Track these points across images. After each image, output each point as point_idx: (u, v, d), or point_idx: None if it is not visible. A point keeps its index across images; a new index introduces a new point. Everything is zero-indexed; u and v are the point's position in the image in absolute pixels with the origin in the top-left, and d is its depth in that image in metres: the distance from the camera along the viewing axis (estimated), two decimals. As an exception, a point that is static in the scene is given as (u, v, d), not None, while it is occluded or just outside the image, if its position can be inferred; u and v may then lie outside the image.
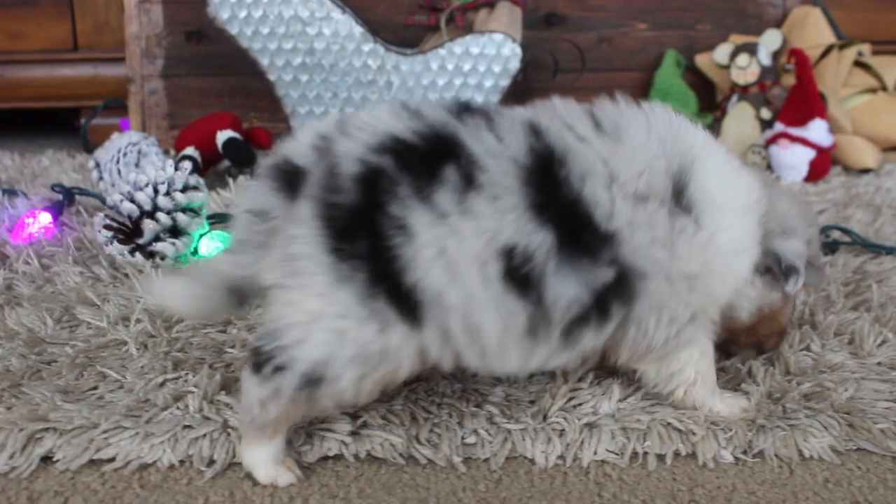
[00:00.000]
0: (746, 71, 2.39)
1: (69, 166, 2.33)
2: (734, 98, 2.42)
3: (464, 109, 0.95)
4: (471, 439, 1.03)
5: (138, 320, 1.30)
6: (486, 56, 2.07)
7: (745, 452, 1.03)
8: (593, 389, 1.11)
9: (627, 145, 0.96)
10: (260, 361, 0.93)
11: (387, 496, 0.95)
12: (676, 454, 1.03)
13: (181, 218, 1.56)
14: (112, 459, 1.00)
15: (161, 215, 1.54)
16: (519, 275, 0.90)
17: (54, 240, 1.67)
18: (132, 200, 1.55)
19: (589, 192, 0.92)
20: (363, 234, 0.88)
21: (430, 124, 0.92)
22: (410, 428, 1.04)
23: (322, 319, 0.90)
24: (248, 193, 0.97)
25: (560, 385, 1.11)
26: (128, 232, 1.56)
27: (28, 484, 0.97)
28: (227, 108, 2.31)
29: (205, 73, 2.48)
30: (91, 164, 2.03)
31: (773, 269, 1.08)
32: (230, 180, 2.07)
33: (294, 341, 0.91)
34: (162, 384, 1.13)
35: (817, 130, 2.23)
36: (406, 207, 0.87)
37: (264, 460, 0.97)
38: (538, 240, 0.90)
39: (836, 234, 1.73)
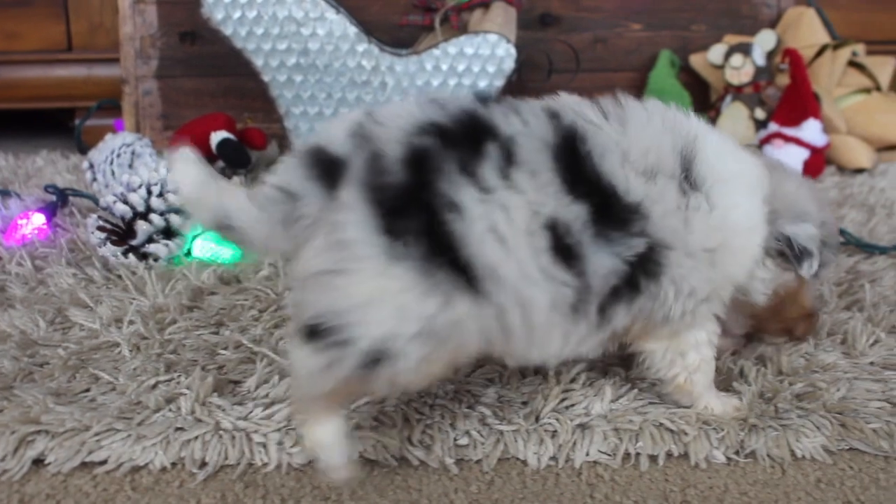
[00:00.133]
0: (741, 71, 2.39)
1: (63, 167, 2.33)
2: (728, 98, 2.42)
3: (486, 99, 0.98)
4: (463, 441, 1.03)
5: (131, 322, 1.30)
6: (480, 56, 2.07)
7: (737, 453, 1.03)
8: (585, 390, 1.11)
9: (633, 128, 1.01)
10: (316, 331, 0.89)
11: (379, 498, 0.96)
12: (669, 455, 1.03)
13: (174, 219, 1.55)
14: (104, 462, 1.00)
15: (154, 216, 1.54)
16: (563, 247, 0.93)
17: (48, 241, 1.67)
18: (125, 202, 1.55)
19: (608, 168, 0.96)
20: (415, 212, 0.88)
21: (462, 110, 0.95)
22: (403, 429, 1.04)
23: (383, 297, 0.88)
24: (280, 170, 0.94)
25: (552, 386, 1.11)
26: (121, 233, 1.55)
27: (19, 487, 0.97)
28: (221, 108, 2.30)
29: (199, 74, 2.48)
30: (85, 165, 2.03)
31: (786, 252, 1.10)
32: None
33: (355, 320, 0.88)
34: (154, 386, 1.13)
35: (811, 130, 2.23)
36: (454, 184, 0.89)
37: (325, 441, 0.95)
38: (575, 212, 0.93)
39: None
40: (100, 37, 2.60)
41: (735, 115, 2.37)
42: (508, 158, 0.92)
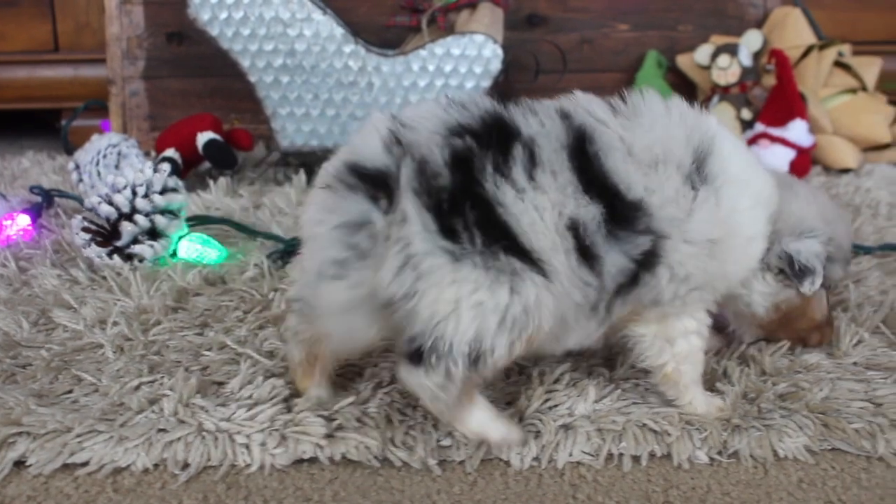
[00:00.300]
0: (727, 71, 2.40)
1: (49, 168, 2.32)
2: (715, 99, 2.42)
3: (504, 100, 1.01)
4: (446, 441, 1.03)
5: (115, 323, 1.30)
6: (467, 57, 2.07)
7: (720, 453, 1.03)
8: (569, 391, 1.11)
9: (644, 122, 1.03)
10: (419, 354, 0.92)
11: (361, 499, 0.95)
12: (652, 455, 1.03)
13: (160, 220, 1.55)
14: (85, 464, 1.00)
15: (139, 217, 1.53)
16: (584, 247, 0.96)
17: (33, 242, 1.66)
18: (110, 202, 1.54)
19: (612, 166, 0.98)
20: (466, 208, 0.91)
21: (485, 110, 0.97)
22: (385, 430, 1.04)
23: (461, 303, 0.91)
24: (328, 207, 0.94)
25: (536, 387, 1.11)
26: (106, 234, 1.55)
27: (0, 489, 0.96)
28: (208, 109, 2.30)
29: (186, 75, 2.47)
30: (71, 165, 2.02)
31: (786, 270, 1.12)
32: (211, 182, 2.07)
33: (447, 332, 0.91)
34: (137, 387, 1.13)
35: (797, 131, 2.23)
36: (496, 182, 0.92)
37: (486, 419, 0.99)
38: (591, 212, 0.96)
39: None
40: (86, 37, 2.60)
41: (722, 115, 2.38)
42: (532, 158, 0.95)
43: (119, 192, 1.55)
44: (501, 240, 0.92)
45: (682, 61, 2.55)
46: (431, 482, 0.98)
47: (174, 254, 1.58)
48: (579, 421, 1.06)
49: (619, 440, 1.04)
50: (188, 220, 1.64)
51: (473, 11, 2.19)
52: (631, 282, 1.01)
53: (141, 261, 1.54)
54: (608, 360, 1.20)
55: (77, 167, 2.00)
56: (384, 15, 2.35)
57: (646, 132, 1.02)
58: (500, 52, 2.06)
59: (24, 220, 1.72)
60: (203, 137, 2.07)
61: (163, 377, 1.14)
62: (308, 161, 2.19)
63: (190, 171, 2.15)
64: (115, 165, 1.95)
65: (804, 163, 2.24)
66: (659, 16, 2.58)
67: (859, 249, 1.65)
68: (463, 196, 0.91)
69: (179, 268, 1.50)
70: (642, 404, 1.09)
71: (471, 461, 1.01)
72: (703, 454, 1.03)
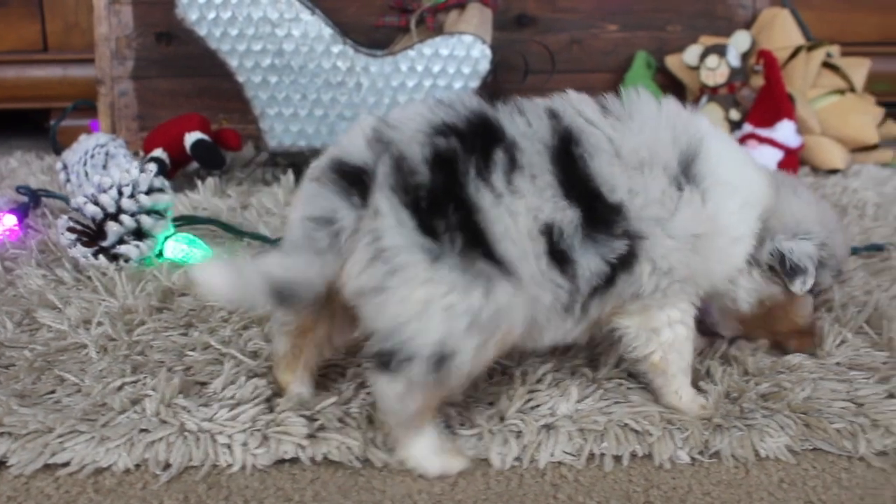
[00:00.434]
0: (716, 72, 2.40)
1: (37, 168, 2.31)
2: (703, 99, 2.43)
3: (491, 99, 1.01)
4: (428, 441, 1.03)
5: (99, 323, 1.30)
6: (455, 58, 2.07)
7: (701, 453, 1.03)
8: (551, 391, 1.11)
9: (635, 121, 1.04)
10: (385, 360, 0.93)
11: (342, 499, 0.95)
12: (633, 455, 1.03)
13: (145, 220, 1.55)
14: (67, 464, 1.00)
15: (125, 217, 1.53)
16: (558, 251, 0.96)
17: (19, 242, 1.66)
18: (96, 203, 1.54)
19: (597, 168, 0.99)
20: (448, 208, 0.91)
21: (471, 110, 0.98)
22: (367, 431, 1.04)
23: (432, 302, 0.91)
24: (305, 198, 0.97)
25: (518, 387, 1.12)
26: (91, 234, 1.55)
27: (-20, 489, 0.96)
28: (197, 109, 2.29)
29: (175, 75, 2.47)
30: (58, 165, 2.02)
31: (777, 267, 1.13)
32: (199, 182, 2.06)
33: (412, 334, 0.92)
34: (120, 388, 1.12)
35: (785, 131, 2.24)
36: (475, 186, 0.93)
37: (427, 453, 0.99)
38: (569, 216, 0.96)
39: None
40: (75, 37, 2.59)
41: (710, 116, 2.38)
42: (512, 162, 0.95)
43: (105, 192, 1.54)
44: (479, 245, 0.92)
45: (671, 62, 2.55)
46: (412, 482, 0.98)
47: (160, 254, 1.58)
48: (561, 421, 1.06)
49: (601, 440, 1.04)
50: (175, 220, 1.64)
51: (462, 12, 2.19)
52: (607, 283, 1.01)
53: (127, 261, 1.53)
54: (591, 361, 1.20)
55: (65, 167, 1.99)
56: (373, 15, 2.34)
57: (635, 135, 1.03)
58: (488, 52, 2.06)
59: (10, 220, 1.72)
60: (191, 137, 2.06)
61: (146, 377, 1.14)
62: (296, 161, 2.19)
63: (178, 171, 2.14)
64: (102, 165, 1.94)
65: (792, 163, 2.25)
66: (648, 16, 2.59)
67: (845, 250, 1.65)
68: (446, 197, 0.92)
69: (165, 268, 1.50)
70: (624, 404, 1.10)
71: (452, 461, 1.01)
72: (684, 454, 1.03)
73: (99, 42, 2.44)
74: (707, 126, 1.09)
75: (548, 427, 1.05)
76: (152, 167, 1.60)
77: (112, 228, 1.53)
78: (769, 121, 2.25)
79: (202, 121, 2.13)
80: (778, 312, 1.19)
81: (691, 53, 2.47)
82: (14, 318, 1.32)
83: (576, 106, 1.04)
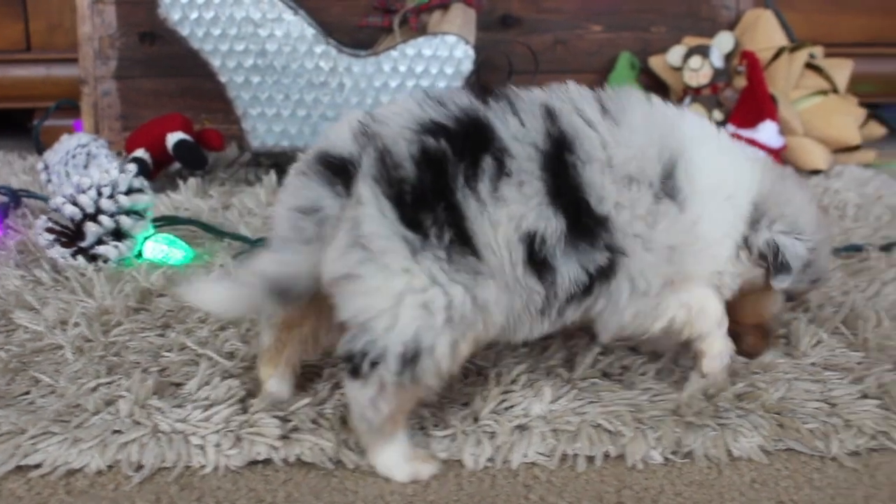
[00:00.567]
0: (699, 73, 2.40)
1: (20, 168, 2.31)
2: (687, 100, 2.43)
3: (485, 93, 1.00)
4: (401, 442, 1.03)
5: (76, 324, 1.29)
6: (438, 58, 2.07)
7: (674, 453, 1.04)
8: (525, 392, 1.11)
9: (625, 129, 1.02)
10: (356, 364, 0.93)
11: (314, 500, 0.95)
12: (606, 455, 1.03)
13: (125, 221, 1.55)
14: (38, 465, 0.99)
15: (104, 218, 1.53)
16: (538, 259, 0.96)
17: (-3, 243, 1.66)
18: (75, 203, 1.54)
19: (589, 177, 0.98)
20: (435, 204, 0.91)
21: (461, 109, 0.97)
22: (340, 432, 1.04)
23: (407, 296, 0.91)
24: (290, 191, 0.97)
25: (492, 387, 1.12)
26: (70, 235, 1.54)
27: (-49, 491, 0.96)
28: (180, 109, 2.29)
29: (158, 75, 2.46)
30: (40, 166, 2.01)
31: (767, 257, 1.11)
32: (181, 182, 2.06)
33: (383, 329, 0.91)
34: (94, 389, 1.12)
35: (767, 132, 2.24)
36: (461, 190, 0.93)
37: (397, 460, 0.98)
38: (553, 225, 0.96)
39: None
40: (58, 37, 2.58)
41: (694, 116, 2.38)
42: (500, 168, 0.94)
43: (84, 192, 1.54)
44: (466, 244, 0.93)
45: (655, 63, 2.56)
46: (385, 483, 0.98)
47: (140, 254, 1.58)
48: (534, 422, 1.06)
49: (574, 441, 1.04)
50: (155, 220, 1.64)
51: (446, 12, 2.19)
52: (584, 292, 1.01)
53: (105, 261, 1.53)
54: (567, 361, 1.20)
55: (46, 167, 1.99)
56: (357, 15, 2.34)
57: (626, 146, 1.01)
58: (471, 52, 2.06)
59: (-10, 220, 1.71)
60: (173, 138, 2.06)
61: (121, 378, 1.14)
62: (279, 161, 2.19)
63: (160, 171, 2.14)
64: (83, 166, 1.94)
65: (774, 164, 2.25)
66: (632, 17, 2.59)
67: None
68: (434, 196, 0.92)
69: (144, 268, 1.49)
70: (597, 404, 1.10)
71: (425, 462, 1.01)
72: (657, 454, 1.03)
73: (82, 42, 2.43)
74: (690, 129, 1.08)
75: (521, 428, 1.06)
76: (132, 167, 1.60)
77: (91, 229, 1.52)
78: (752, 122, 2.26)
79: (185, 121, 2.13)
80: (749, 298, 1.17)
81: (675, 54, 2.47)
82: (-10, 319, 1.32)
83: (576, 103, 1.02)
